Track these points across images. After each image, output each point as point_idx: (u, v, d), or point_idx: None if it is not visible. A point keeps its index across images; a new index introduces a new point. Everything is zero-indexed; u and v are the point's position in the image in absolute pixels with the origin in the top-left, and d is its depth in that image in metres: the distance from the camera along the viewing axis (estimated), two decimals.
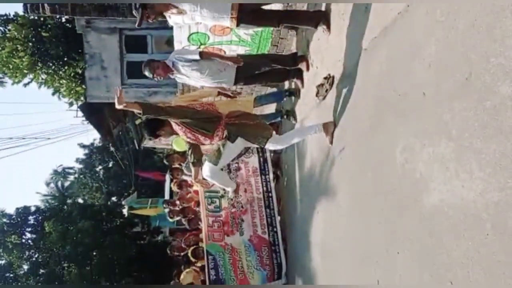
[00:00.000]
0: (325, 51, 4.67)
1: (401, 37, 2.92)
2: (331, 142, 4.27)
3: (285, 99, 6.24)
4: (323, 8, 4.59)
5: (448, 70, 2.28)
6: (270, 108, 6.98)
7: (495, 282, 1.85)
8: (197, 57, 4.85)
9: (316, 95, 4.80)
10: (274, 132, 4.48)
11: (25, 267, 15.24)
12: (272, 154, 6.96)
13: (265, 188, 6.60)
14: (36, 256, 15.32)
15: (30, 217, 16.43)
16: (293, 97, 5.89)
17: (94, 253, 14.50)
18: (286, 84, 6.27)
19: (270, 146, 4.50)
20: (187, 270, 7.15)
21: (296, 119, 5.86)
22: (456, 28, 2.21)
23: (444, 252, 2.27)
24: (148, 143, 13.07)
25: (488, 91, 1.91)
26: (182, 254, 7.70)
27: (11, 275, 15.10)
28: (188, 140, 4.31)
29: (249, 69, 5.08)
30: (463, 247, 2.08)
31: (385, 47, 3.19)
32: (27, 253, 15.35)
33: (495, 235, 1.85)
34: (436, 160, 2.35)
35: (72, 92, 12.14)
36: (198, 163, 4.53)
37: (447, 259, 2.23)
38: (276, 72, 5.31)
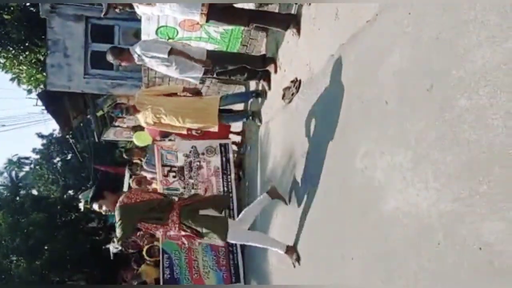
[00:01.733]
0: (294, 54, 4.67)
1: (368, 45, 2.94)
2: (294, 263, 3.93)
3: (251, 100, 6.22)
4: (294, 12, 4.60)
5: (411, 80, 2.31)
6: (236, 107, 6.93)
7: None
8: (165, 56, 4.76)
9: (283, 98, 4.80)
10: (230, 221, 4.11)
11: None
12: (235, 155, 6.93)
13: (226, 188, 6.55)
14: None
15: None
16: (259, 99, 5.88)
17: (46, 247, 13.98)
18: (253, 85, 6.25)
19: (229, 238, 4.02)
20: (146, 264, 7.04)
21: (261, 121, 5.84)
22: (421, 39, 2.24)
23: (397, 260, 2.29)
24: (109, 135, 12.76)
25: (447, 103, 1.95)
26: (135, 251, 7.54)
27: None
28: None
29: (217, 65, 5.03)
30: (416, 255, 2.11)
31: (352, 54, 3.22)
32: None
33: (446, 245, 1.88)
34: (394, 168, 2.38)
35: (32, 79, 11.73)
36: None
37: (400, 267, 2.26)
38: (244, 69, 5.27)
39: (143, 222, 3.79)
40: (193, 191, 6.41)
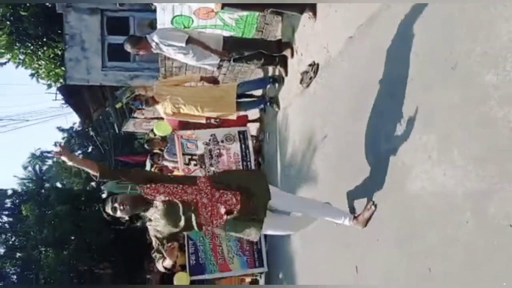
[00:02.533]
0: (310, 38, 4.63)
1: (388, 25, 2.90)
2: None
3: (268, 86, 6.20)
4: None
5: (435, 59, 2.28)
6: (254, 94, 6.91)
7: (474, 269, 1.87)
8: (182, 44, 4.77)
9: (300, 82, 4.78)
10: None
11: (1, 250, 15.03)
12: (254, 141, 6.94)
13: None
14: (12, 239, 15.09)
15: (7, 200, 16.14)
16: (276, 84, 5.86)
17: (72, 238, 14.33)
18: (270, 71, 6.22)
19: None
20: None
21: (279, 106, 5.83)
22: (443, 17, 2.21)
23: (423, 239, 2.29)
24: (128, 127, 12.89)
25: (473, 80, 1.92)
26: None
27: None
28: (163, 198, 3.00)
29: (233, 51, 5.03)
30: (443, 234, 2.11)
31: (371, 35, 3.18)
32: (3, 236, 15.11)
33: (475, 223, 1.88)
34: (419, 148, 2.36)
35: (51, 73, 11.85)
36: None
37: (427, 246, 2.26)
38: (260, 54, 5.24)
39: (162, 182, 2.98)
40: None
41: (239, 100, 5.66)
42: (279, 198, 3.10)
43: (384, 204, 2.76)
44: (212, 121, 6.05)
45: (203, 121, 5.86)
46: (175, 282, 6.34)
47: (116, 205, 2.94)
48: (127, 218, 2.97)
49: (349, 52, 3.60)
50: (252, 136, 6.72)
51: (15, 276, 14.94)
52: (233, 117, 5.75)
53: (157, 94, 5.45)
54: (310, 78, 4.55)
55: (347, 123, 3.51)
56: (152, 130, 6.99)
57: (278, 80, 5.72)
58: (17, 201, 16.15)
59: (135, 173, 3.25)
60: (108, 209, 2.96)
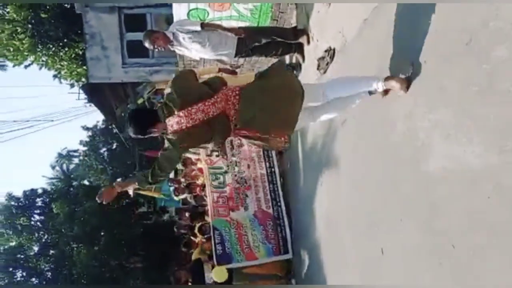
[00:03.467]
0: (325, 23, 4.64)
1: (402, 6, 2.90)
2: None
3: None
4: None
5: (449, 36, 2.28)
6: None
7: (499, 242, 1.88)
8: (198, 28, 4.84)
9: (318, 69, 4.79)
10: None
11: (35, 248, 15.49)
12: None
13: (268, 164, 6.65)
14: (45, 237, 15.55)
15: (38, 199, 16.61)
16: (294, 72, 5.88)
17: (102, 233, 14.68)
18: (287, 59, 6.24)
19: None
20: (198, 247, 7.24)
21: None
22: None
23: (447, 217, 2.31)
24: None
25: (487, 55, 1.92)
26: (186, 232, 7.81)
27: (22, 256, 15.37)
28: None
29: (250, 40, 5.06)
30: (466, 210, 2.12)
31: (385, 16, 3.17)
32: (36, 234, 15.58)
33: (497, 196, 1.88)
34: (437, 126, 2.37)
35: (73, 73, 12.13)
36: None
37: (450, 223, 2.27)
38: (277, 44, 5.29)
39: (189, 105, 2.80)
40: (236, 169, 6.55)
41: None
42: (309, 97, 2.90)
43: (406, 184, 2.77)
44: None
45: None
46: (214, 276, 6.45)
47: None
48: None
49: (364, 35, 3.60)
50: None
51: (49, 273, 15.39)
52: None
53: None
54: (327, 64, 4.56)
55: (365, 105, 3.52)
56: None
57: (295, 68, 5.73)
58: (47, 200, 16.59)
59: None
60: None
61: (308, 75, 5.30)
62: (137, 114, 3.09)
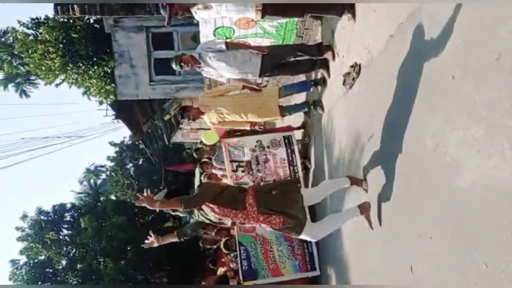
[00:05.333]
0: (351, 39, 4.65)
1: (428, 21, 2.89)
2: (371, 226, 3.87)
3: (311, 89, 6.24)
4: None
5: (477, 51, 2.26)
6: (297, 99, 6.97)
7: None
8: (223, 46, 4.94)
9: (343, 84, 4.80)
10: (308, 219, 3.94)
11: (63, 262, 15.76)
12: (300, 146, 6.98)
13: (293, 180, 6.62)
14: (73, 251, 15.83)
15: (66, 214, 16.96)
16: (319, 87, 5.90)
17: (128, 248, 14.85)
18: (313, 75, 6.26)
19: (303, 236, 3.91)
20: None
21: (323, 109, 5.85)
22: (484, 9, 2.19)
23: (478, 234, 2.26)
24: (177, 138, 13.28)
25: None
26: (214, 246, 7.82)
27: (51, 270, 15.66)
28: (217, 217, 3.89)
29: (274, 58, 5.12)
30: (497, 228, 2.07)
31: (411, 32, 3.17)
32: (64, 248, 15.87)
33: None
34: (467, 142, 2.34)
35: (101, 91, 12.43)
36: None
37: (482, 242, 2.22)
38: (302, 62, 5.35)
39: (218, 205, 3.73)
40: (262, 184, 6.55)
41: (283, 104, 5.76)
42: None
43: (435, 201, 2.74)
44: (257, 127, 6.17)
45: (248, 127, 6.00)
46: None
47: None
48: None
49: (390, 50, 3.59)
50: (297, 140, 6.76)
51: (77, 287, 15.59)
52: (278, 122, 5.83)
53: (202, 105, 5.65)
54: (353, 79, 4.56)
55: (392, 121, 3.51)
56: (201, 141, 7.21)
57: (320, 83, 5.76)
58: (75, 214, 16.91)
59: (207, 190, 3.90)
60: None
61: (334, 90, 5.31)
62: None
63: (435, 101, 2.74)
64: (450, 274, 2.56)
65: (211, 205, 3.74)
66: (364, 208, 3.85)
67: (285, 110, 5.91)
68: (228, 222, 3.91)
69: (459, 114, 2.43)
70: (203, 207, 3.79)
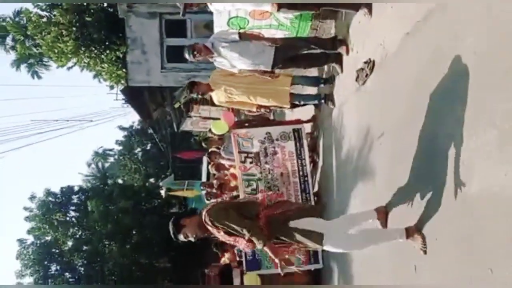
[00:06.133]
0: (366, 35, 4.61)
1: (446, 21, 2.86)
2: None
3: (321, 85, 6.22)
4: None
5: (495, 57, 2.23)
6: (309, 91, 6.94)
7: None
8: (236, 37, 4.93)
9: (356, 80, 4.77)
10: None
11: (70, 243, 15.95)
12: (308, 139, 6.97)
13: (301, 173, 6.62)
14: (79, 233, 16.01)
15: (74, 196, 17.12)
16: (329, 85, 5.89)
17: (134, 232, 15.00)
18: (325, 69, 6.23)
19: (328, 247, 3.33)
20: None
21: (334, 104, 5.82)
22: (504, 13, 2.16)
23: (484, 240, 2.26)
24: (186, 126, 13.31)
25: None
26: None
27: (57, 250, 15.86)
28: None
29: (287, 50, 5.10)
30: (505, 235, 2.07)
31: (428, 31, 3.14)
32: (71, 230, 16.06)
33: None
34: (479, 148, 2.32)
35: (113, 75, 12.49)
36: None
37: (488, 248, 2.22)
38: (315, 56, 5.31)
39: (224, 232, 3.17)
40: (269, 176, 6.56)
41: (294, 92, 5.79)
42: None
43: (444, 204, 2.73)
44: (263, 110, 6.19)
45: (254, 109, 6.03)
46: (246, 283, 6.50)
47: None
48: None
49: (406, 48, 3.56)
50: (307, 133, 6.74)
51: (82, 268, 15.81)
52: (288, 113, 5.83)
53: (212, 82, 5.69)
54: (366, 75, 4.53)
55: (404, 121, 3.48)
56: (210, 130, 7.21)
57: (330, 82, 5.75)
58: (83, 197, 17.07)
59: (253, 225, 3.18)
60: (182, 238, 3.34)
61: (346, 86, 5.28)
62: (174, 220, 3.38)
63: (450, 104, 2.72)
64: (452, 276, 2.56)
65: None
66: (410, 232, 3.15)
67: (295, 98, 5.91)
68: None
69: (473, 119, 2.42)
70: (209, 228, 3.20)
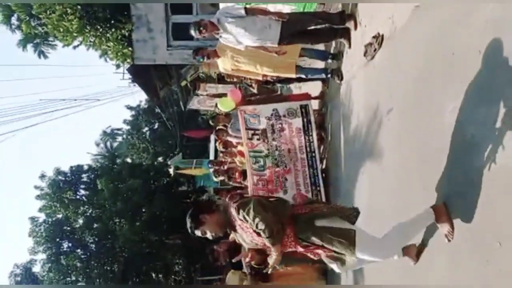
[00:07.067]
0: (375, 9, 4.53)
1: None
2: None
3: (329, 61, 6.15)
4: None
5: (508, 26, 2.19)
6: (317, 64, 6.86)
7: None
8: (242, 12, 4.86)
9: (364, 55, 4.71)
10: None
11: (80, 221, 16.15)
12: (316, 115, 6.93)
13: (308, 149, 6.61)
14: (90, 211, 16.18)
15: (83, 175, 17.25)
16: (336, 61, 5.83)
17: (143, 210, 15.15)
18: (333, 44, 6.15)
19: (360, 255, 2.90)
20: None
21: (342, 78, 5.77)
22: None
23: (494, 212, 2.25)
24: (193, 104, 13.29)
25: None
26: None
27: (68, 228, 16.09)
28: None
29: (294, 25, 5.02)
30: None
31: (438, 4, 3.07)
32: (81, 208, 16.22)
33: None
34: (488, 121, 2.30)
35: (119, 54, 12.42)
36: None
37: (497, 218, 2.21)
38: (322, 31, 5.23)
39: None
40: (277, 153, 6.57)
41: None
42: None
43: (452, 178, 2.72)
44: (269, 78, 6.15)
45: (260, 77, 6.02)
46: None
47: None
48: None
49: (415, 22, 3.50)
50: (314, 110, 6.71)
51: (93, 245, 16.06)
52: (296, 89, 5.80)
53: (219, 48, 5.67)
54: (375, 50, 4.48)
55: (413, 95, 3.45)
56: (216, 105, 7.19)
57: (338, 57, 5.69)
58: (92, 175, 17.20)
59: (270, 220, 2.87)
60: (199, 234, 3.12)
61: (354, 61, 5.22)
62: (190, 217, 3.15)
63: (459, 77, 2.68)
64: (463, 253, 2.57)
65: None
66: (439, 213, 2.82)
67: (301, 70, 5.88)
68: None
69: (482, 91, 2.39)
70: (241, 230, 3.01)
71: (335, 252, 2.91)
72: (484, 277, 2.29)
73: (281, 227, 2.88)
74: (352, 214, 3.03)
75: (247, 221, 2.84)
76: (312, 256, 3.10)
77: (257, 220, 2.79)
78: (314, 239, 2.89)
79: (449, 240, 2.71)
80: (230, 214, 2.99)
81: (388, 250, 3.06)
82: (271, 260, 2.98)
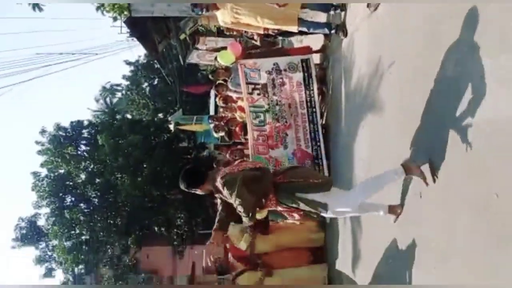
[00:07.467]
0: None
1: None
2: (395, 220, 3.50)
3: (331, 12, 5.97)
4: None
5: None
6: (319, 17, 6.68)
7: None
8: None
9: (368, 6, 4.58)
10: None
11: (82, 176, 16.32)
12: (317, 70, 6.83)
13: (309, 104, 6.56)
14: (91, 166, 16.32)
15: (84, 131, 17.28)
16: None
17: (144, 165, 15.27)
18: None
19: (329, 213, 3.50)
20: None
21: (346, 34, 5.63)
22: None
23: (494, 166, 2.25)
24: (192, 58, 13.07)
25: None
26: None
27: (71, 183, 16.29)
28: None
29: None
30: None
31: None
32: (83, 163, 16.35)
33: None
34: (494, 73, 2.25)
35: (115, 6, 12.12)
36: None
37: (504, 174, 2.20)
38: None
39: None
40: (277, 108, 6.52)
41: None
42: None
43: (456, 132, 2.69)
44: (270, 32, 6.06)
45: (261, 31, 5.90)
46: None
47: None
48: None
49: None
50: (315, 64, 6.61)
51: (96, 200, 16.30)
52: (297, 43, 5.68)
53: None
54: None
55: (416, 47, 3.37)
56: (215, 58, 7.06)
57: (342, 8, 5.56)
58: (92, 131, 17.22)
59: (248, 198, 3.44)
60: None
61: (357, 12, 5.09)
62: (187, 174, 3.67)
63: (465, 27, 2.61)
64: (459, 202, 2.59)
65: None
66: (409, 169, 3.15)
67: (303, 24, 5.75)
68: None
69: (488, 43, 2.33)
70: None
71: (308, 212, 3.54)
72: (476, 226, 2.32)
73: (265, 194, 3.47)
74: (327, 186, 3.49)
75: (229, 199, 3.39)
76: (288, 216, 3.96)
77: (237, 202, 3.32)
78: (293, 205, 3.52)
79: (427, 184, 3.00)
80: (217, 185, 3.50)
81: (353, 200, 3.49)
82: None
